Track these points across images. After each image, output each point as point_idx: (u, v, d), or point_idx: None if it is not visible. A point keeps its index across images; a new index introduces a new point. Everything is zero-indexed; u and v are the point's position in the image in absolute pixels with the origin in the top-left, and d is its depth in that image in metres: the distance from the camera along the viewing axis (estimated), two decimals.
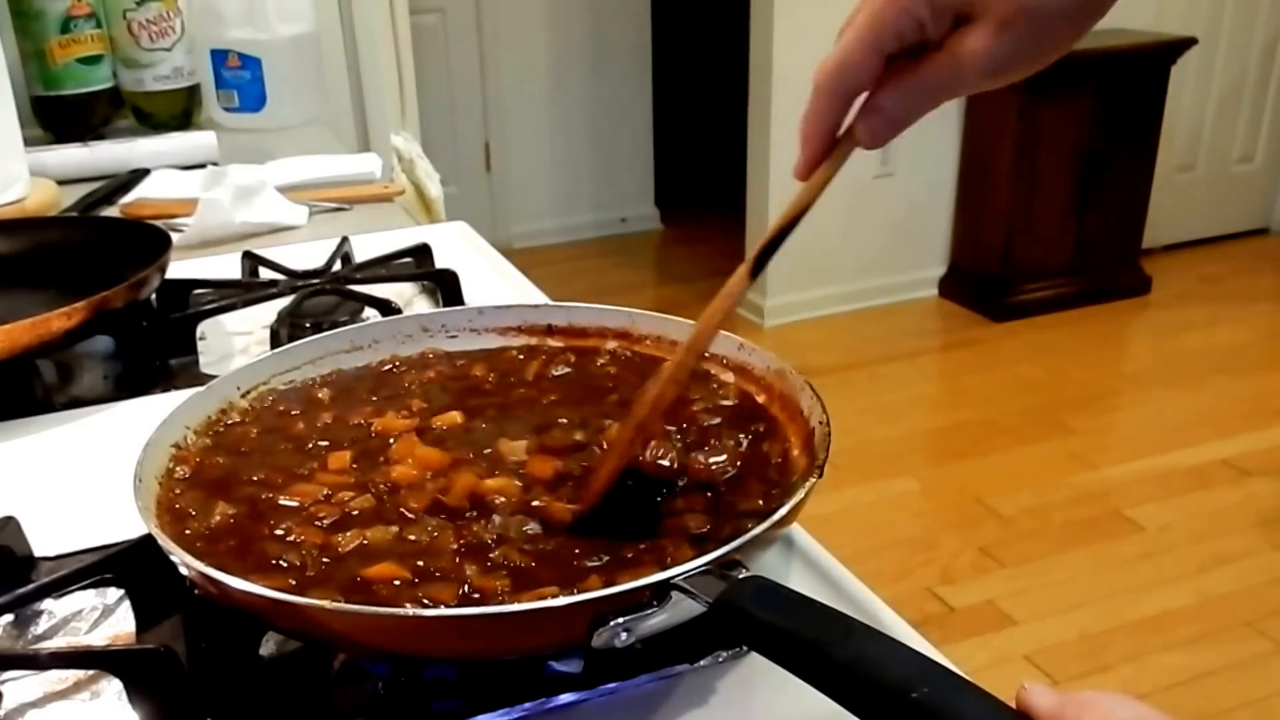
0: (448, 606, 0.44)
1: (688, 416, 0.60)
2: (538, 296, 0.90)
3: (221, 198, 1.10)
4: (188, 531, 0.50)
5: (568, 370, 0.67)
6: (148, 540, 0.49)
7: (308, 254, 0.98)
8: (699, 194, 3.98)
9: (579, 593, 0.43)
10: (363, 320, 0.84)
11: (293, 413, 0.63)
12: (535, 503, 0.52)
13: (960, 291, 3.48)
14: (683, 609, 0.41)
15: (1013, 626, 2.03)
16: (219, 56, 1.55)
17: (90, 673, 0.47)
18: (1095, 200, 3.32)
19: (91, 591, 0.52)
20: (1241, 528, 2.31)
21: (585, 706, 0.47)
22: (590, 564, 0.47)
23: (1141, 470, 2.53)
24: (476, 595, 0.45)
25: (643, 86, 4.06)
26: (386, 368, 0.68)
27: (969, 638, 2.01)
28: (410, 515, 0.51)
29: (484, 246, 1.06)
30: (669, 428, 0.58)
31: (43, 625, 0.51)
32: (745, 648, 0.48)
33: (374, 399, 0.64)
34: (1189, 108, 3.64)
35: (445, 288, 0.88)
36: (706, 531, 0.49)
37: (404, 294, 0.92)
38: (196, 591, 0.48)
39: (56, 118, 1.47)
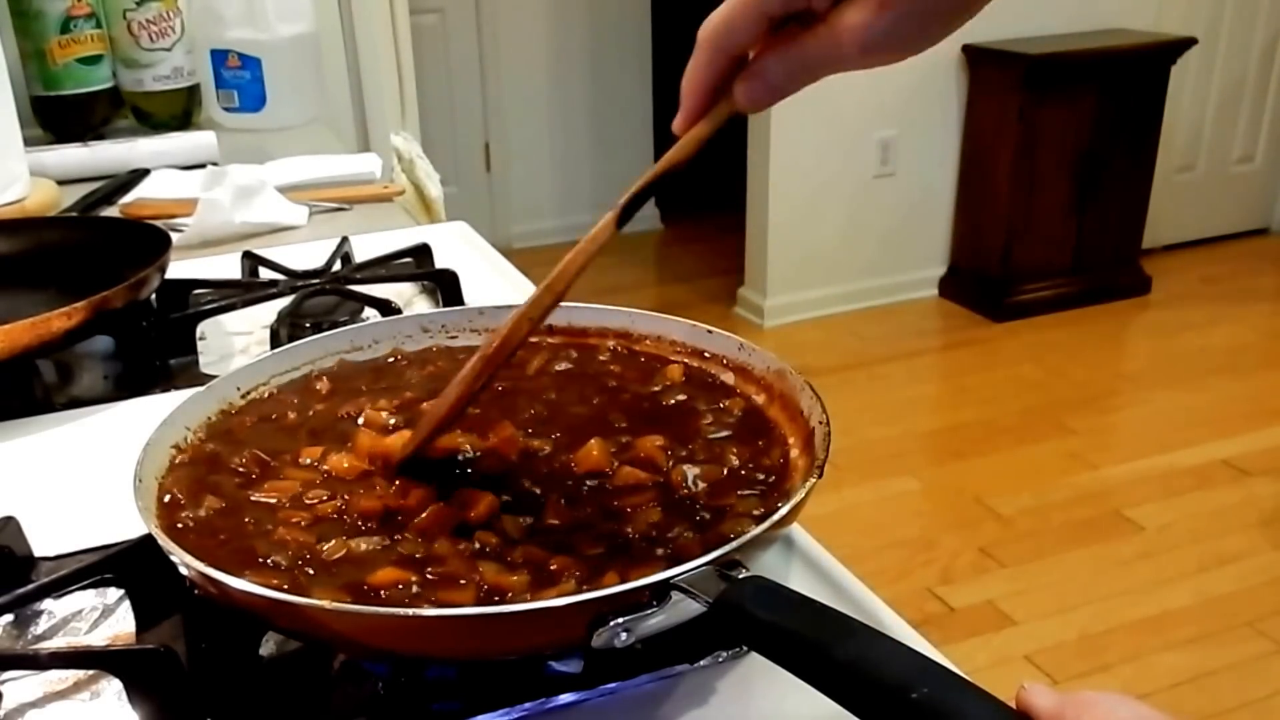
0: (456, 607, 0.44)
1: (694, 431, 0.59)
2: None
3: (221, 198, 1.10)
4: (179, 525, 0.50)
5: (569, 365, 0.67)
6: (148, 540, 0.49)
7: (308, 254, 0.98)
8: (699, 194, 3.98)
9: (586, 591, 0.43)
10: (363, 320, 0.84)
11: (293, 400, 0.63)
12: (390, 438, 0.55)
13: (960, 291, 3.48)
14: (683, 609, 0.41)
15: (1012, 626, 2.03)
16: (219, 56, 1.55)
17: (90, 673, 0.47)
18: (1095, 200, 3.32)
19: (91, 591, 0.52)
20: (1241, 528, 2.31)
21: (585, 706, 0.47)
22: (591, 554, 0.47)
23: (1141, 470, 2.53)
24: (495, 597, 0.45)
25: (643, 86, 4.06)
26: (389, 360, 0.68)
27: (969, 638, 2.01)
28: (364, 525, 0.50)
29: (484, 246, 1.06)
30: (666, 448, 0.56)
31: (43, 625, 0.51)
32: (745, 648, 0.48)
33: (365, 390, 0.64)
34: (1189, 108, 3.64)
35: (445, 288, 0.88)
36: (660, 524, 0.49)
37: (404, 294, 0.92)
38: (196, 591, 0.47)
39: (56, 118, 1.47)
